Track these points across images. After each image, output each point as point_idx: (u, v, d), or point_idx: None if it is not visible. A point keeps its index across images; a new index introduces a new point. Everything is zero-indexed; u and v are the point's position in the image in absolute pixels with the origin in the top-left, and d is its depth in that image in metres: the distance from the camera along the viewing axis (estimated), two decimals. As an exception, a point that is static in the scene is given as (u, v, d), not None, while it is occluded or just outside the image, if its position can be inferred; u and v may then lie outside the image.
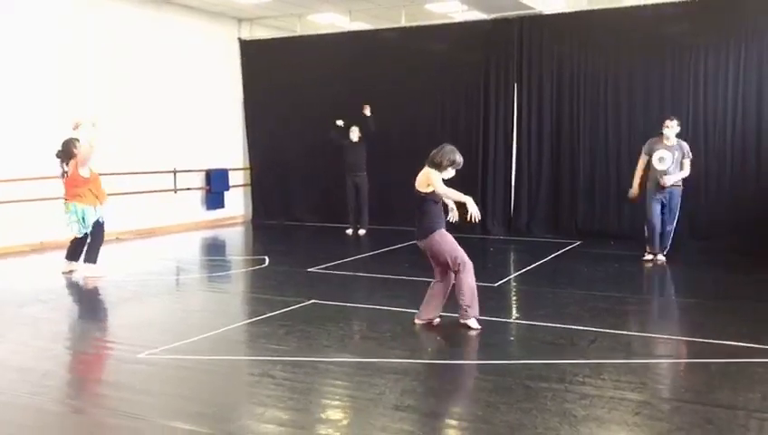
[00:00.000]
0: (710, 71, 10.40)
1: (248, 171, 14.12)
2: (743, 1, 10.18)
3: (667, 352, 5.51)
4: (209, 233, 12.60)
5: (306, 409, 4.39)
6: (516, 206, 11.85)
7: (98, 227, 8.31)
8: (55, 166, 8.35)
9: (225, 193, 13.60)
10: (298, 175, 13.36)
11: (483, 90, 11.88)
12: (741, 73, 10.22)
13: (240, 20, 13.79)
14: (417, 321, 6.07)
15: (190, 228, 12.39)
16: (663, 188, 8.72)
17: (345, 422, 4.17)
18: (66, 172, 8.20)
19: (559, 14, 11.66)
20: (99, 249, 8.34)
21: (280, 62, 13.35)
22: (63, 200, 8.30)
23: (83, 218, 8.18)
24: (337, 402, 4.47)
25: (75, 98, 10.79)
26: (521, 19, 11.61)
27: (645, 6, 10.79)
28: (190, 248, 10.96)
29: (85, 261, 8.32)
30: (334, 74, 12.71)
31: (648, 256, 9.06)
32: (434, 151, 5.89)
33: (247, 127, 14.02)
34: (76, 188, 8.13)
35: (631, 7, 11.07)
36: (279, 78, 13.33)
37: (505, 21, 11.68)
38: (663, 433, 3.87)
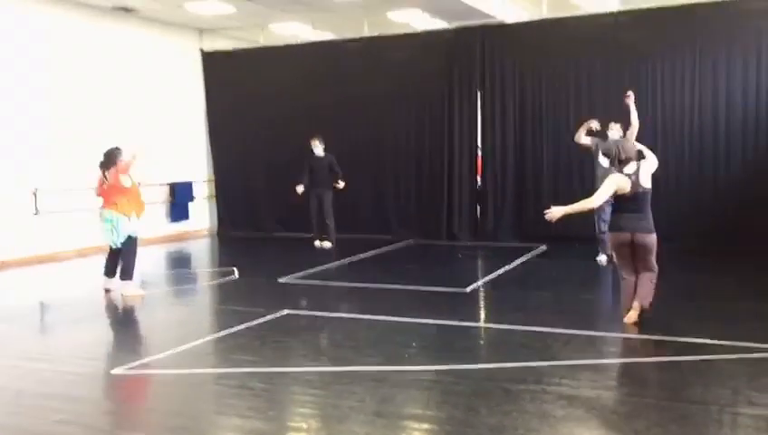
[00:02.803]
0: (666, 77, 10.68)
1: (213, 183, 14.00)
2: (697, 9, 10.46)
3: (639, 351, 5.62)
4: (175, 246, 12.45)
5: (287, 419, 4.39)
6: (483, 212, 11.98)
7: (131, 241, 8.08)
8: (93, 176, 8.23)
9: (190, 204, 13.46)
10: (264, 186, 13.29)
11: (447, 98, 12.00)
12: (696, 79, 10.51)
13: (201, 31, 13.70)
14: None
15: (155, 242, 12.22)
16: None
17: (327, 431, 4.17)
18: (106, 180, 8.02)
19: (520, 23, 11.87)
20: (133, 265, 8.09)
21: (243, 73, 13.30)
22: (100, 209, 8.12)
23: (116, 227, 7.97)
24: (318, 411, 4.46)
25: (33, 113, 10.60)
26: (482, 28, 11.77)
27: (603, 15, 11.05)
28: (156, 262, 10.81)
29: (122, 278, 8.08)
30: (298, 85, 12.70)
31: (602, 257, 9.26)
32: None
33: (211, 138, 13.91)
34: (114, 196, 7.94)
35: (590, 15, 11.31)
36: (242, 89, 13.28)
37: (467, 30, 11.84)
38: (640, 431, 3.95)
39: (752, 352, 5.15)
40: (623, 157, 6.01)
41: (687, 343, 5.52)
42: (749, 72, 10.26)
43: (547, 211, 5.98)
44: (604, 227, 9.04)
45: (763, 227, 9.92)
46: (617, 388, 4.76)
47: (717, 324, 6.02)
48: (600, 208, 9.02)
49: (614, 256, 6.32)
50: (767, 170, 10.06)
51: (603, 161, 9.03)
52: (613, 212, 6.18)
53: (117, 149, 8.09)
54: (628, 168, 6.04)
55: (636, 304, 6.06)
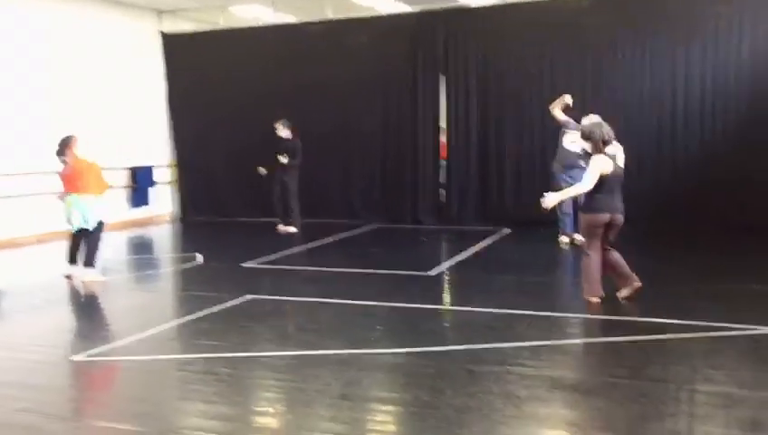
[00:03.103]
0: (627, 61, 10.82)
1: (175, 168, 13.81)
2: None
3: (600, 331, 5.72)
4: (136, 232, 12.27)
5: (253, 404, 4.37)
6: (447, 195, 12.03)
7: (99, 226, 7.89)
8: (51, 160, 8.07)
9: (150, 190, 13.27)
10: (227, 170, 13.14)
11: (410, 82, 11.98)
12: (657, 63, 10.66)
13: (160, 12, 13.44)
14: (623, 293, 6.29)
15: (116, 228, 11.97)
16: (570, 168, 9.09)
17: (293, 415, 4.17)
18: (66, 164, 7.83)
19: (483, 7, 11.89)
20: (97, 251, 7.91)
21: (204, 56, 13.09)
22: (65, 195, 7.90)
23: (85, 212, 7.77)
24: (283, 396, 4.46)
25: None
26: (446, 12, 11.77)
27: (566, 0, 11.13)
28: (117, 248, 10.64)
29: (85, 265, 7.88)
30: (260, 68, 12.58)
31: (564, 238, 9.44)
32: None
33: (173, 122, 13.70)
34: (78, 179, 7.76)
35: (553, 0, 11.37)
36: (204, 72, 13.08)
37: (431, 14, 11.82)
38: (601, 409, 4.03)
39: (708, 331, 5.28)
40: (606, 138, 6.09)
41: (646, 322, 5.64)
42: (707, 55, 10.44)
43: (542, 199, 6.08)
44: (567, 208, 9.18)
45: (720, 207, 10.15)
46: (578, 367, 4.84)
47: (675, 304, 6.15)
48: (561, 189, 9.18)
49: (585, 235, 6.33)
50: (724, 152, 10.26)
51: (568, 145, 9.19)
52: (593, 193, 6.13)
53: (70, 136, 7.95)
54: (610, 149, 6.15)
55: (635, 279, 6.23)
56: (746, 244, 9.23)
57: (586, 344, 5.23)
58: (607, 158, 6.11)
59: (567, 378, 4.58)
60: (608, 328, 5.72)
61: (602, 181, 6.07)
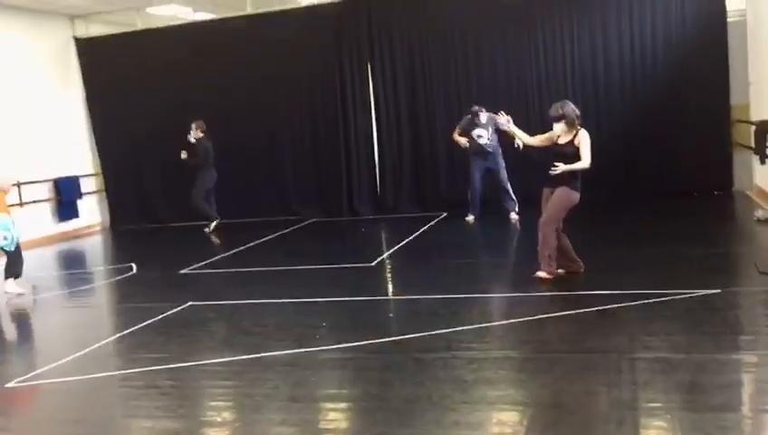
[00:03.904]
0: (548, 39, 11.02)
1: (100, 176, 13.38)
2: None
3: (540, 308, 5.80)
4: (65, 245, 11.85)
5: (199, 415, 4.28)
6: (382, 184, 12.03)
7: (18, 245, 7.80)
8: None
9: (79, 201, 12.83)
10: (155, 175, 12.81)
11: (338, 72, 11.89)
12: (575, 40, 10.91)
13: (73, 17, 12.95)
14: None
15: (42, 243, 11.59)
16: (486, 155, 9.91)
17: (242, 422, 4.10)
18: None
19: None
20: (20, 264, 7.79)
21: (122, 60, 12.67)
22: None
23: (10, 232, 7.64)
24: (231, 403, 4.38)
25: None
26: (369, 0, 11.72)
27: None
28: (46, 264, 10.26)
29: (6, 277, 7.72)
30: (182, 68, 12.26)
31: (470, 217, 10.00)
32: None
33: (94, 130, 13.26)
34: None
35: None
36: (123, 76, 12.67)
37: (353, 2, 11.73)
38: (547, 385, 4.10)
39: (644, 299, 5.43)
40: (578, 113, 6.26)
41: (584, 295, 5.77)
42: (622, 25, 10.69)
43: (553, 168, 6.15)
44: (478, 184, 9.94)
45: (645, 179, 10.46)
46: (522, 346, 4.91)
47: (610, 275, 6.32)
48: (470, 175, 10.02)
49: (560, 212, 6.28)
50: (648, 122, 10.51)
51: (477, 138, 9.96)
52: (578, 172, 6.27)
53: None
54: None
55: (581, 265, 6.43)
56: (674, 211, 9.53)
57: (528, 322, 5.30)
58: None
59: (512, 358, 4.65)
60: (547, 304, 5.81)
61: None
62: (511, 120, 6.80)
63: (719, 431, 3.30)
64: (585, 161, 6.20)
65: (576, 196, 6.26)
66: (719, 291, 5.47)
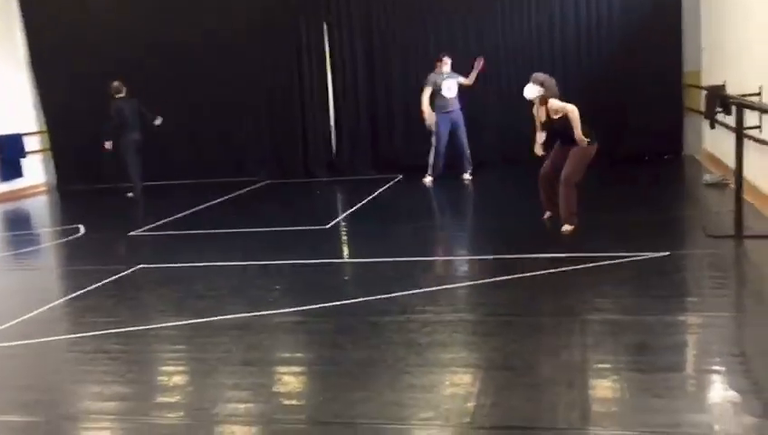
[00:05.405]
0: (506, 2, 10.97)
1: (46, 134, 12.94)
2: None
3: (493, 271, 5.83)
4: (9, 206, 11.48)
5: (149, 380, 4.21)
6: (338, 146, 11.92)
7: None
8: None
9: (22, 160, 12.40)
10: (100, 133, 12.43)
11: (293, 33, 11.66)
12: (533, 5, 10.90)
13: (14, -34, 12.39)
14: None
15: (-15, 204, 11.23)
16: (450, 112, 9.91)
17: (194, 387, 4.05)
18: None
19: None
20: None
21: (67, 13, 12.20)
22: None
23: None
24: (182, 368, 4.33)
25: None
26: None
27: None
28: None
29: None
30: (131, 23, 11.85)
31: (428, 178, 10.01)
32: None
33: (38, 86, 12.77)
34: None
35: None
36: (68, 29, 12.19)
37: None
38: (499, 348, 4.14)
39: (594, 262, 5.50)
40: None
41: (536, 258, 5.82)
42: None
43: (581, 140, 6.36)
44: (445, 141, 9.98)
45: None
46: (475, 309, 4.95)
47: (561, 238, 6.39)
48: (439, 134, 9.86)
49: (582, 166, 6.55)
50: (601, 87, 10.55)
51: (446, 92, 9.85)
52: (589, 127, 6.46)
53: None
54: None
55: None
56: (625, 175, 9.66)
57: (481, 285, 5.34)
58: None
59: (465, 320, 4.68)
60: (500, 268, 5.84)
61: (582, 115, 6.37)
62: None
63: (666, 391, 3.38)
64: (576, 120, 6.36)
65: (593, 148, 6.48)
66: (668, 254, 5.57)
